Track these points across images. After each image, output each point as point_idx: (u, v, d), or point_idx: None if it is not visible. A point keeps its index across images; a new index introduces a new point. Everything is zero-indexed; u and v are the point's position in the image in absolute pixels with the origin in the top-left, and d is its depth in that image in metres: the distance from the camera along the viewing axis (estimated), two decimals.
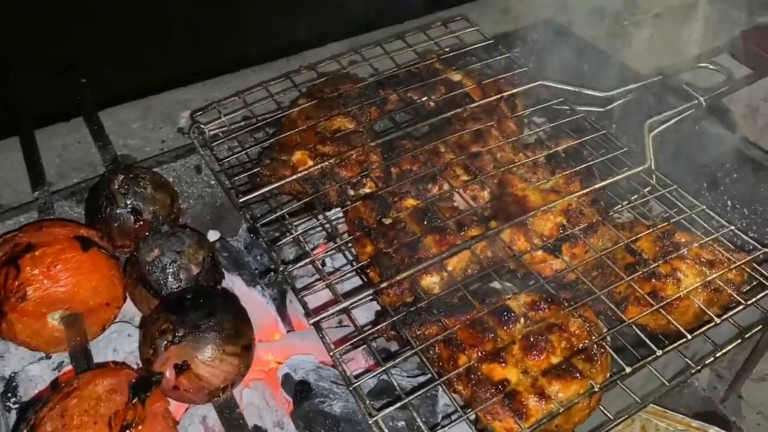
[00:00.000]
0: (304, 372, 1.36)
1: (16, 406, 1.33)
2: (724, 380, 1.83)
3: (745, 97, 2.35)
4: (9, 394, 1.32)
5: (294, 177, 1.38)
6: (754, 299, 1.16)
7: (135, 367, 1.23)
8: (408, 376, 1.38)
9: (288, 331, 1.54)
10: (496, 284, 1.22)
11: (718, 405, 1.84)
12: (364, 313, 1.41)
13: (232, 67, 1.96)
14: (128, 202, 1.36)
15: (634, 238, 1.26)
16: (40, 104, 1.77)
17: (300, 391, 1.34)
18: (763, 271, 1.24)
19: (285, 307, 1.57)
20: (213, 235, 1.70)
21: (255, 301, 1.55)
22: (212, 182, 1.66)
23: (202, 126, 1.55)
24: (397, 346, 1.42)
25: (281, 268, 1.25)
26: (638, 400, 1.08)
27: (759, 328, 1.17)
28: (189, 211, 1.68)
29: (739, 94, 2.34)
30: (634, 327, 1.11)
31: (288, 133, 1.47)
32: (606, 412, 1.08)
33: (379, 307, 1.35)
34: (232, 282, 1.56)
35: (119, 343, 1.40)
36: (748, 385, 1.85)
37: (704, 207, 1.33)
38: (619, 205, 1.37)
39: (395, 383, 1.08)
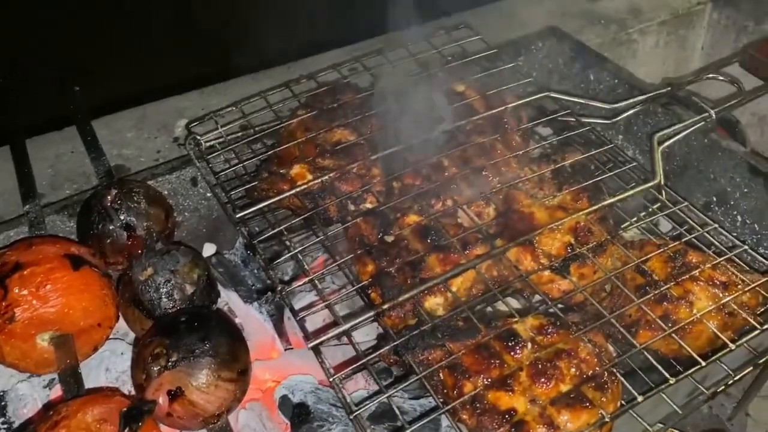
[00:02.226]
0: (302, 394, 1.32)
1: (5, 426, 1.28)
2: (731, 397, 1.79)
3: (752, 107, 2.31)
4: None
5: (292, 191, 1.34)
6: None
7: (127, 391, 1.19)
8: (410, 398, 1.33)
9: (286, 349, 1.50)
10: (502, 306, 1.18)
11: (725, 423, 1.80)
12: (366, 333, 1.37)
13: (230, 74, 1.92)
14: (121, 217, 1.31)
15: (644, 258, 1.21)
16: (33, 113, 1.73)
17: (298, 414, 1.29)
18: None
19: (283, 323, 1.53)
20: (209, 249, 1.66)
21: (252, 318, 1.51)
22: (208, 194, 1.62)
23: (198, 137, 1.51)
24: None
25: (279, 288, 1.21)
26: (649, 428, 1.04)
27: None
28: (185, 224, 1.63)
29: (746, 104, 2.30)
30: (645, 353, 1.07)
31: (286, 146, 1.43)
32: None
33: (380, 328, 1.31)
34: (229, 298, 1.52)
35: (112, 362, 1.36)
36: (756, 402, 1.81)
37: (716, 225, 1.29)
38: (628, 223, 1.32)
39: (396, 409, 1.04)
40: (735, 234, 1.58)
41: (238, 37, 1.99)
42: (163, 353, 1.08)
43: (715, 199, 1.62)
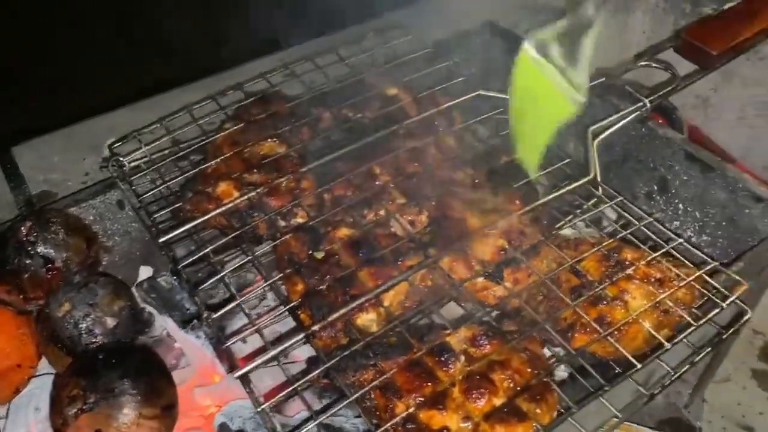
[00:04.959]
0: (242, 420, 1.28)
1: None
2: (687, 384, 1.79)
3: (695, 88, 2.31)
4: None
5: (218, 211, 1.28)
6: (704, 319, 1.10)
7: None
8: (355, 416, 1.30)
9: (228, 372, 1.45)
10: (436, 318, 1.14)
11: (682, 410, 1.80)
12: (304, 353, 1.33)
13: (161, 88, 1.85)
14: (38, 250, 1.25)
15: (578, 258, 1.19)
16: None
17: None
18: (716, 284, 1.18)
19: (223, 345, 1.48)
20: (145, 272, 1.60)
21: (190, 343, 1.46)
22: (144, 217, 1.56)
23: (121, 158, 1.45)
24: None
25: (204, 315, 1.16)
26: None
27: (709, 349, 1.11)
28: (116, 249, 1.57)
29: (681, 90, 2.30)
30: (579, 359, 1.04)
31: (211, 163, 1.38)
32: None
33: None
34: (166, 324, 1.47)
35: (42, 399, 1.29)
36: (712, 388, 1.82)
37: (652, 219, 1.27)
38: (562, 222, 1.29)
39: None
40: (677, 223, 1.58)
41: (168, 49, 1.92)
42: (79, 395, 1.02)
43: (656, 188, 1.60)
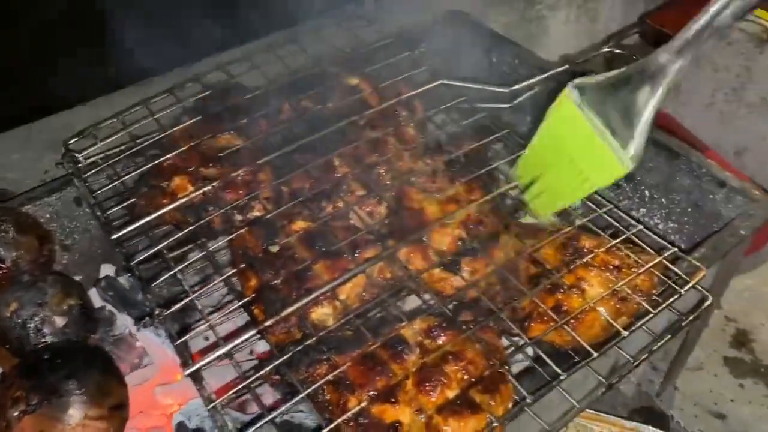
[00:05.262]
0: (200, 419, 1.26)
1: None
2: (659, 372, 1.77)
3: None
4: None
5: (171, 206, 1.26)
6: (662, 306, 1.09)
7: None
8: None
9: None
10: (395, 311, 1.12)
11: (654, 399, 1.79)
12: (261, 349, 1.31)
13: (122, 84, 1.82)
14: None
15: (537, 246, 1.17)
16: None
17: None
18: (677, 271, 1.16)
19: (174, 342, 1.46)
20: (107, 269, 1.57)
21: (151, 341, 1.44)
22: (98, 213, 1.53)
23: (77, 154, 1.42)
24: None
25: (156, 312, 1.13)
26: (546, 427, 1.00)
27: (669, 336, 1.09)
28: (75, 247, 1.54)
29: None
30: (535, 348, 1.03)
31: (166, 157, 1.35)
32: None
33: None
34: (126, 322, 1.44)
35: None
36: (684, 375, 1.81)
37: (612, 205, 1.25)
38: (524, 210, 1.28)
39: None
40: (644, 210, 1.56)
41: (128, 46, 1.89)
42: (23, 396, 1.00)
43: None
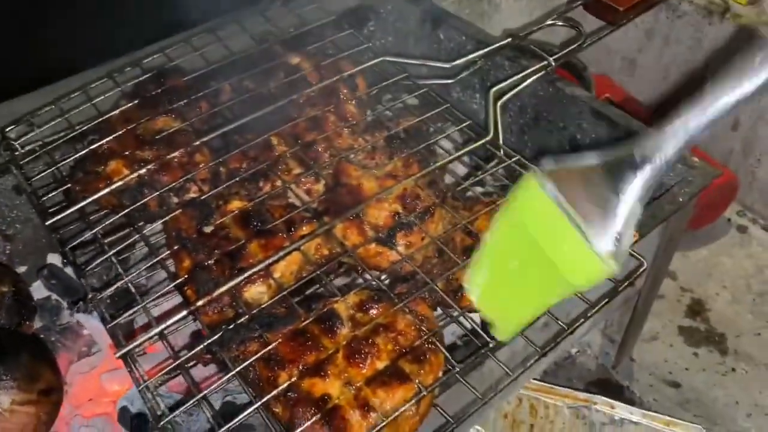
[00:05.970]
0: (142, 403, 1.24)
1: None
2: (615, 344, 1.79)
3: (623, 49, 2.30)
4: None
5: (106, 190, 1.24)
6: None
7: None
8: None
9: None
10: (330, 287, 1.12)
11: (610, 371, 1.80)
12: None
13: (64, 74, 1.78)
14: None
15: (472, 218, 1.17)
16: None
17: (137, 425, 1.22)
18: None
19: (132, 326, 1.44)
20: (53, 259, 1.56)
21: (97, 329, 1.42)
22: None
23: (13, 142, 1.39)
24: None
25: (90, 296, 1.12)
26: (480, 396, 1.00)
27: (606, 301, 1.10)
28: (18, 237, 1.52)
29: (615, 47, 2.29)
30: (465, 318, 1.03)
31: (102, 141, 1.33)
32: (445, 414, 0.99)
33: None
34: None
35: None
36: (640, 346, 1.82)
37: None
38: (464, 184, 1.27)
39: (206, 409, 0.98)
40: None
41: (69, 35, 1.86)
42: None
43: (568, 147, 1.59)
